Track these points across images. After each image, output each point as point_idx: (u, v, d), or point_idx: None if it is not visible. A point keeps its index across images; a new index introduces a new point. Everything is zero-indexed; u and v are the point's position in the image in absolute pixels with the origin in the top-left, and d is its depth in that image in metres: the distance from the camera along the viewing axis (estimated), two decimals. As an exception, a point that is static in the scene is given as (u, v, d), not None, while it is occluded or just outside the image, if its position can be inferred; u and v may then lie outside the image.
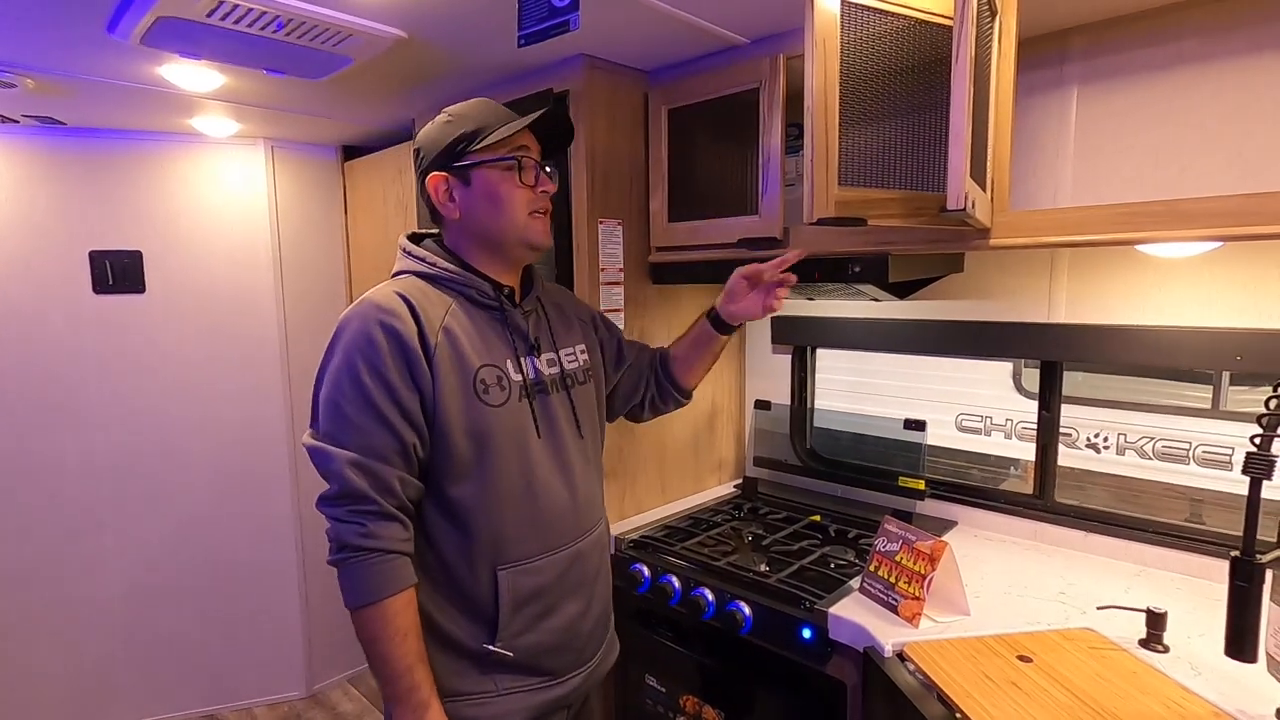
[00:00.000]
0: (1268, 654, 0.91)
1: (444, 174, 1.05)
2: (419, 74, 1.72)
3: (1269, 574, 0.79)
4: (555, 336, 1.17)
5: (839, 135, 1.06)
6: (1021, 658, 1.07)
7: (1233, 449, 1.48)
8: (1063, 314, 1.49)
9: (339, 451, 0.96)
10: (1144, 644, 1.10)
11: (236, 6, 1.22)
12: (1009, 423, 2.02)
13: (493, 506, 1.04)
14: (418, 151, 1.09)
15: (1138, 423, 1.64)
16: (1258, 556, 0.77)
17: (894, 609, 1.21)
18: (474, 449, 1.02)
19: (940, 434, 1.98)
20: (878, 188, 1.12)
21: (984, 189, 1.14)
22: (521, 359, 1.09)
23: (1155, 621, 1.09)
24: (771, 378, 2.04)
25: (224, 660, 2.47)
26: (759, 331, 2.05)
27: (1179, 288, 1.34)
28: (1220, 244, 1.19)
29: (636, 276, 1.73)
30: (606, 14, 1.33)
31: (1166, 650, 1.08)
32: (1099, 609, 1.20)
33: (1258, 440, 0.76)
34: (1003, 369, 2.09)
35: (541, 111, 1.07)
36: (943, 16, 1.11)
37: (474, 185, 1.05)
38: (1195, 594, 1.27)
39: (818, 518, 1.73)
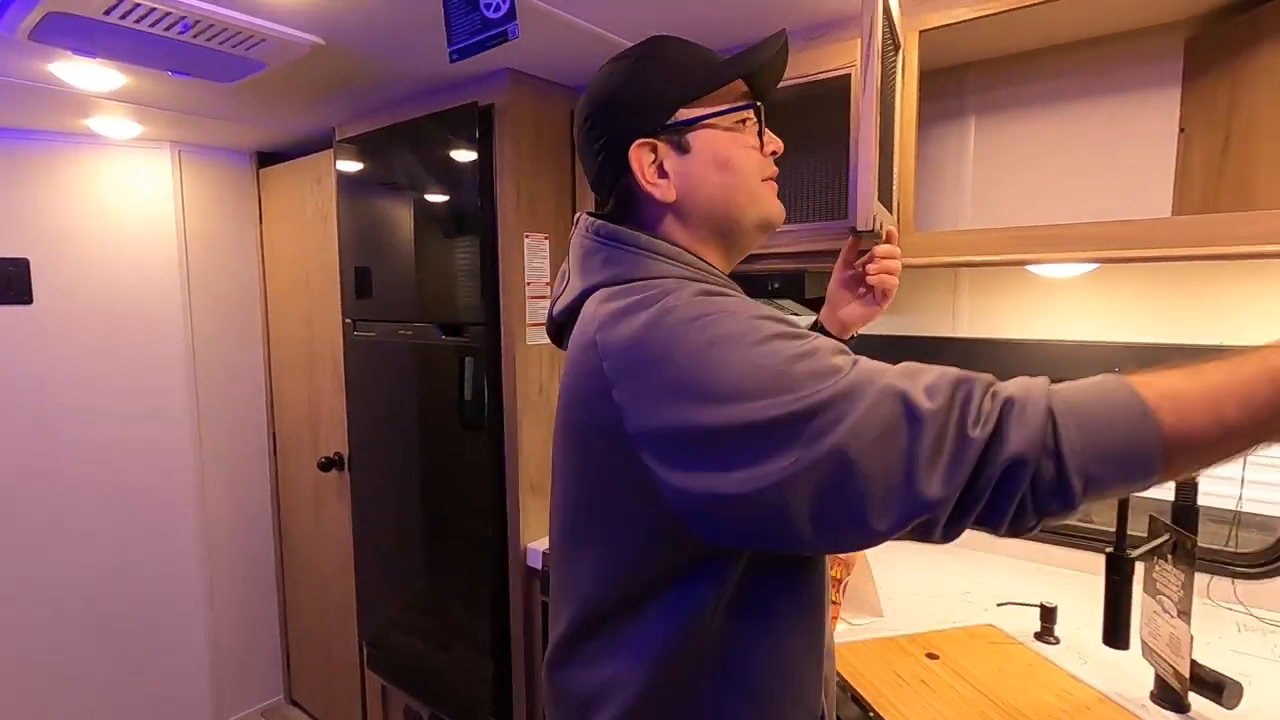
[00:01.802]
0: (1142, 641, 1.00)
1: (651, 141, 0.74)
2: (339, 82, 1.67)
3: (1139, 567, 0.87)
4: None
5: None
6: (930, 655, 1.13)
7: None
8: (965, 328, 1.59)
9: (864, 392, 0.57)
10: (1038, 637, 1.18)
11: (138, 5, 1.16)
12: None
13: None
14: (591, 117, 0.77)
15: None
16: (1128, 552, 0.85)
17: (813, 614, 1.25)
18: None
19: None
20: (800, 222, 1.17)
21: (891, 212, 1.21)
22: None
23: (1047, 615, 1.17)
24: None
25: (128, 694, 2.30)
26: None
27: (1064, 305, 1.46)
28: (1097, 265, 1.30)
29: (564, 290, 1.73)
30: (535, 31, 1.33)
31: (1058, 642, 1.16)
32: (999, 605, 1.28)
33: (1127, 446, 0.84)
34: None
35: (775, 40, 0.78)
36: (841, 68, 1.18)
37: (695, 151, 0.74)
38: (1084, 587, 1.37)
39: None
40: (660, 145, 0.74)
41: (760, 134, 0.78)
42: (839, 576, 1.24)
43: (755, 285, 1.43)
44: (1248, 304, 1.27)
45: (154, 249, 2.24)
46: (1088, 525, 1.48)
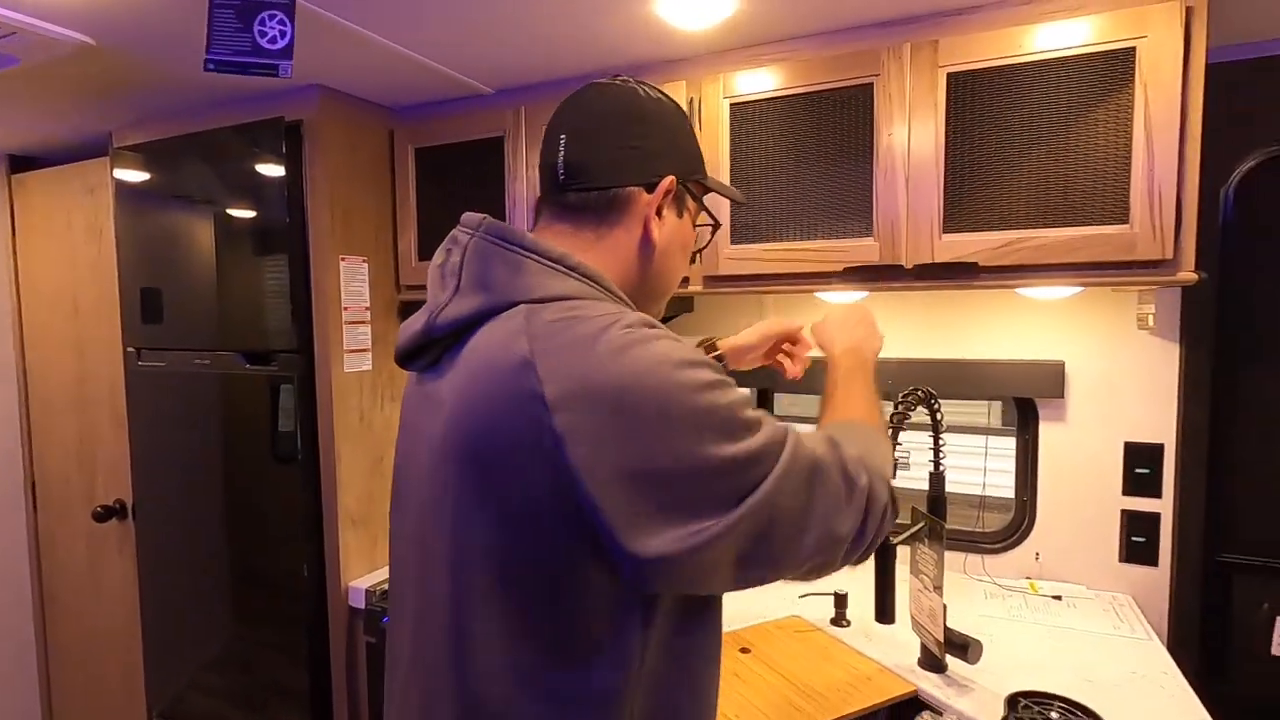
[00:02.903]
0: (910, 615, 1.16)
1: (679, 185, 0.74)
2: (115, 84, 1.50)
3: (902, 550, 1.02)
4: None
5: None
6: (743, 650, 1.22)
7: (909, 452, 1.86)
8: (771, 347, 1.75)
9: (797, 449, 0.63)
10: (834, 622, 1.32)
11: None
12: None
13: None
14: (649, 121, 0.73)
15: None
16: (891, 539, 0.99)
17: (639, 623, 1.31)
18: None
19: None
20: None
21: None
22: None
23: (840, 602, 1.33)
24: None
25: None
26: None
27: (850, 325, 1.66)
28: (867, 294, 1.51)
29: (384, 316, 1.67)
30: (341, 50, 1.30)
31: (849, 624, 1.31)
32: (801, 597, 1.42)
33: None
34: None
35: (738, 193, 0.88)
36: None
37: (683, 220, 0.77)
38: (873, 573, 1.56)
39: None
40: (676, 190, 0.73)
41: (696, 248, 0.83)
42: (662, 585, 1.31)
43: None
44: (987, 325, 1.53)
45: None
46: (876, 518, 1.69)
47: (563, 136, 0.73)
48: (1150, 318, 1.33)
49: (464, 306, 0.66)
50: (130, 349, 1.81)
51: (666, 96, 0.76)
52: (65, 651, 2.16)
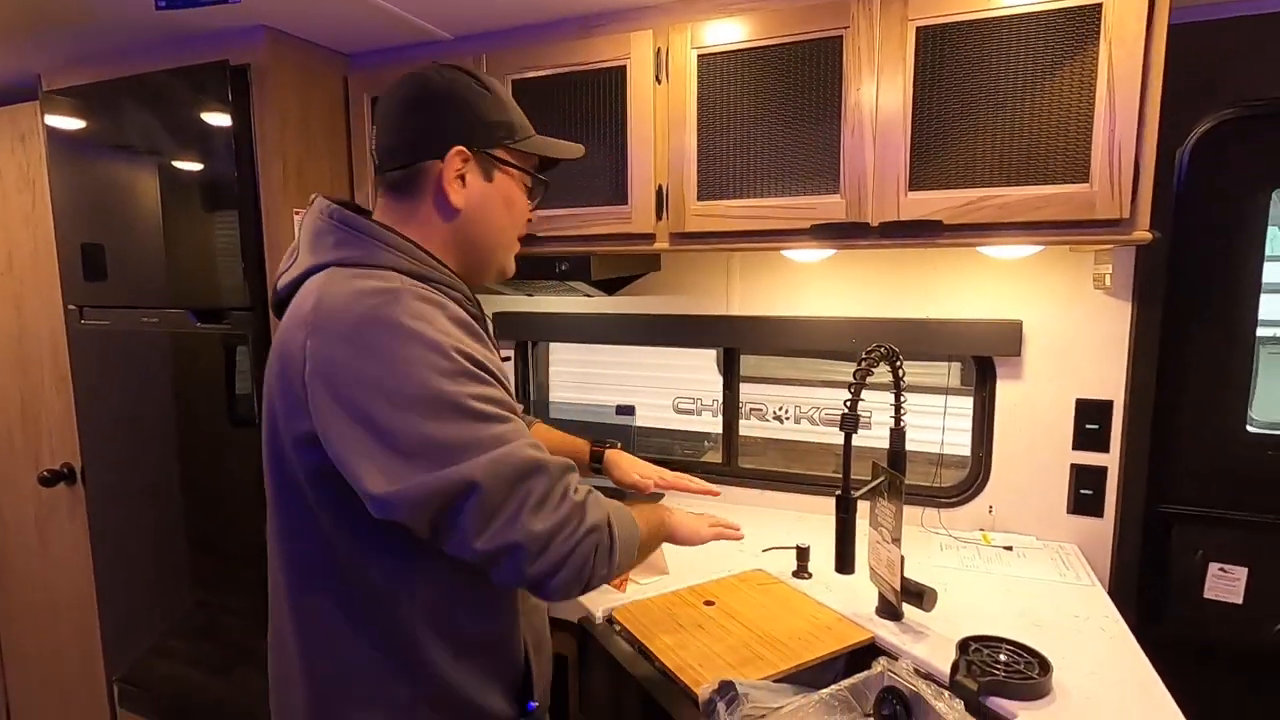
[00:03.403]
0: (869, 566, 1.20)
1: (468, 153, 0.83)
2: (42, 21, 1.40)
3: (861, 505, 1.05)
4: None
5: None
6: (707, 602, 1.25)
7: (870, 411, 1.89)
8: (737, 308, 1.76)
9: (511, 445, 0.72)
10: (795, 574, 1.35)
11: None
12: (715, 403, 2.33)
13: None
14: (429, 99, 0.83)
15: (808, 396, 2.00)
16: (851, 493, 1.01)
17: (605, 579, 1.32)
18: None
19: (660, 416, 2.20)
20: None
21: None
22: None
23: (802, 555, 1.36)
24: (496, 373, 2.07)
25: None
26: (482, 327, 2.06)
27: (815, 286, 1.67)
28: (834, 251, 1.51)
29: (343, 272, 1.62)
30: (290, -13, 1.23)
31: (810, 576, 1.35)
32: (764, 551, 1.45)
33: (847, 403, 1.00)
34: (708, 356, 2.40)
35: (573, 149, 0.96)
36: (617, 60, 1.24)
37: (496, 184, 0.87)
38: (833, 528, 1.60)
39: (543, 505, 1.81)
40: (473, 161, 0.84)
41: (533, 204, 0.93)
42: (628, 541, 1.32)
43: (543, 267, 1.46)
44: (948, 284, 1.55)
45: None
46: (838, 476, 1.73)
47: (374, 126, 0.87)
48: (1106, 278, 1.36)
49: (295, 271, 0.80)
50: (71, 306, 1.73)
51: (466, 72, 0.86)
52: (16, 620, 2.10)
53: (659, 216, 1.38)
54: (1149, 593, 1.46)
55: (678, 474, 1.30)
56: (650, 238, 1.40)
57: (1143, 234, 1.09)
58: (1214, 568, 1.42)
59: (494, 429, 0.72)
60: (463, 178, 0.84)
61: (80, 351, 1.75)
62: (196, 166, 1.52)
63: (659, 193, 1.37)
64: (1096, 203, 1.09)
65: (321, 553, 0.79)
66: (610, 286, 1.79)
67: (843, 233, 1.25)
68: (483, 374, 0.74)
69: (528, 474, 0.72)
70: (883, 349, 1.09)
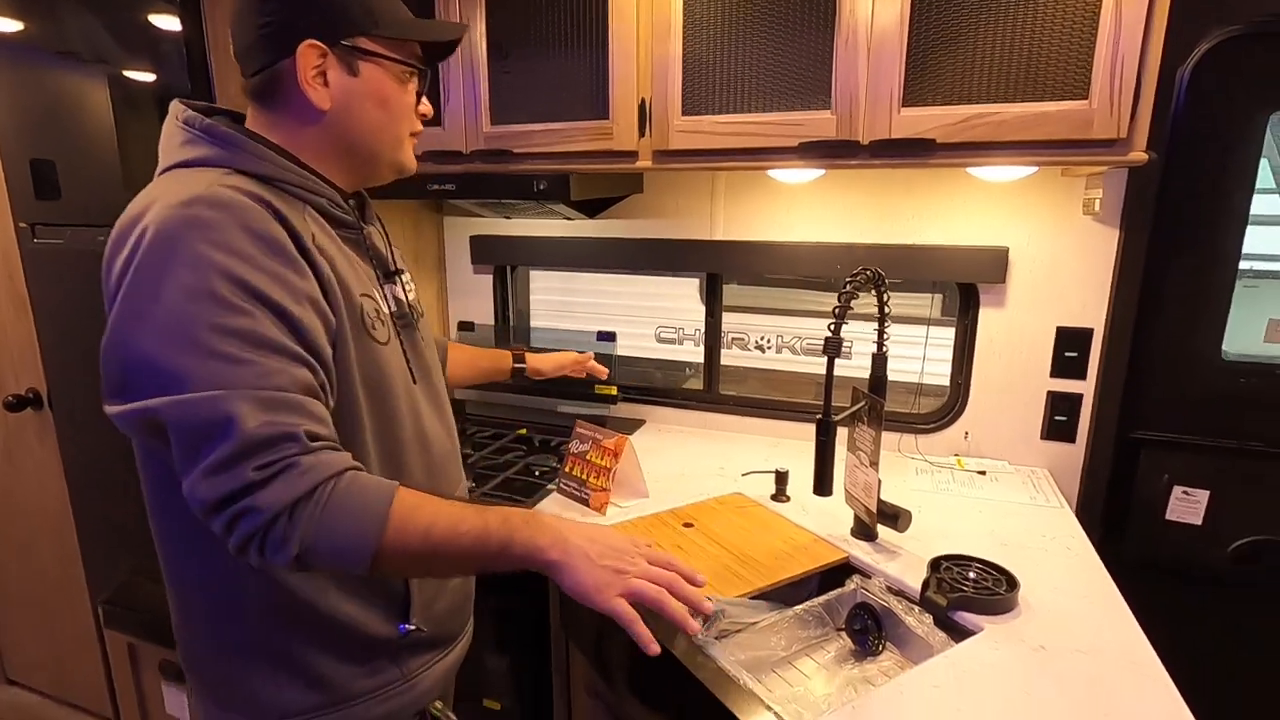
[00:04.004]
0: (845, 489, 1.21)
1: (324, 47, 0.76)
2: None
3: (839, 430, 1.05)
4: (396, 261, 0.94)
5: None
6: (686, 524, 1.27)
7: (851, 342, 1.88)
8: (721, 232, 1.71)
9: (218, 392, 0.63)
10: (774, 498, 1.37)
11: None
12: (697, 333, 2.31)
13: (392, 468, 0.83)
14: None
15: (790, 326, 1.99)
16: (832, 417, 1.01)
17: (585, 502, 1.33)
18: (371, 401, 0.81)
19: (642, 345, 2.18)
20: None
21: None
22: (383, 287, 0.88)
23: (780, 479, 1.37)
24: (474, 297, 2.03)
25: None
26: (458, 252, 2.01)
27: (802, 209, 1.63)
28: (824, 172, 1.47)
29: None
30: None
31: (789, 500, 1.37)
32: (744, 475, 1.47)
33: (831, 326, 0.98)
34: (691, 285, 2.36)
35: (452, 27, 0.90)
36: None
37: (363, 79, 0.79)
38: (812, 454, 1.62)
39: (524, 431, 1.81)
40: (331, 56, 0.77)
41: (419, 96, 0.86)
42: (608, 466, 1.32)
43: (520, 186, 1.40)
44: (936, 209, 1.52)
45: None
46: (817, 403, 1.74)
47: (230, 32, 0.80)
48: (1096, 203, 1.34)
49: (157, 172, 0.77)
50: (23, 225, 1.64)
51: None
52: (-4, 543, 2.10)
53: (641, 133, 1.32)
54: (1114, 515, 1.51)
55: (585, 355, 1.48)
56: (633, 155, 1.34)
57: (1139, 154, 1.06)
58: (1177, 491, 1.46)
59: (215, 369, 0.63)
60: (323, 75, 0.77)
61: (35, 272, 1.68)
62: (148, 76, 1.42)
63: (642, 107, 1.31)
64: (1095, 121, 1.05)
65: (170, 469, 0.69)
66: (591, 209, 1.74)
67: (832, 151, 1.20)
68: (249, 305, 0.66)
69: (212, 433, 0.62)
70: (869, 272, 1.07)
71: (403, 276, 0.93)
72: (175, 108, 0.78)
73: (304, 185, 0.78)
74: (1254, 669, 1.48)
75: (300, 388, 0.67)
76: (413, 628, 0.86)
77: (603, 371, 1.53)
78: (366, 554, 0.66)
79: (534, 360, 1.45)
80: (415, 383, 0.88)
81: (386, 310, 0.85)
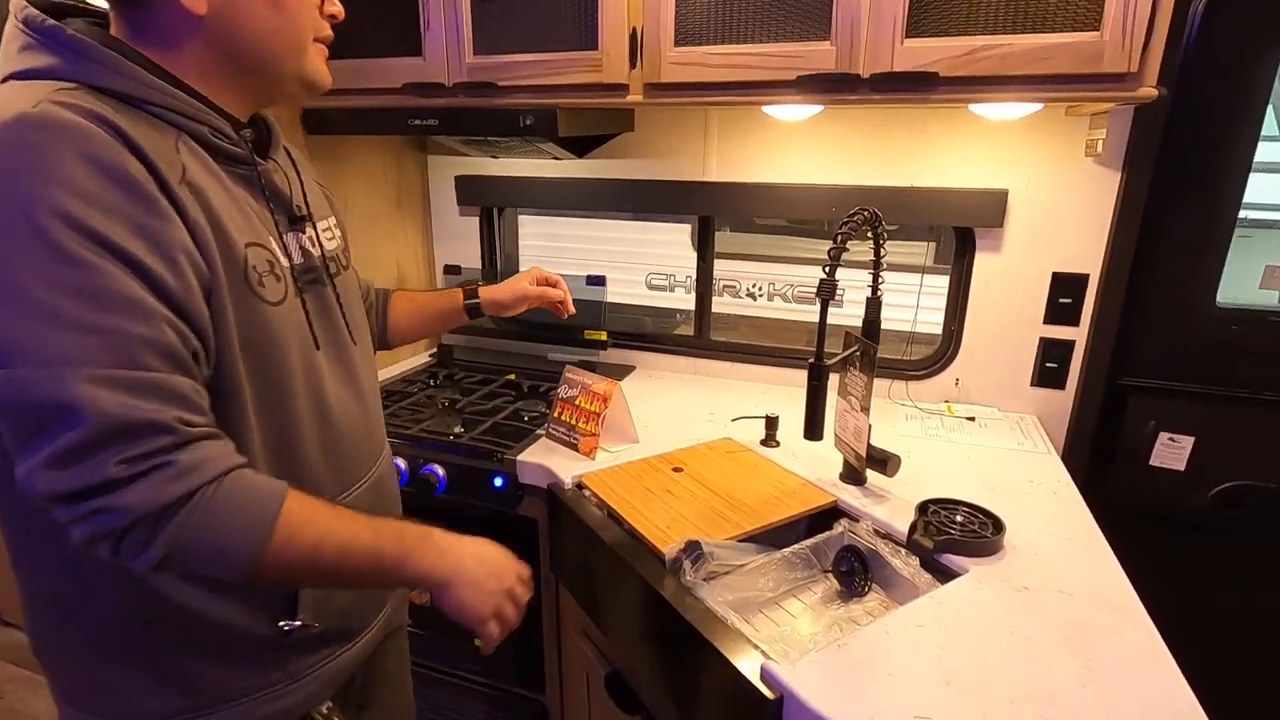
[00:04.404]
0: (835, 434, 1.21)
1: None
2: None
3: (832, 375, 1.03)
4: (310, 205, 0.82)
5: None
6: (675, 469, 1.26)
7: (844, 290, 1.86)
8: (714, 173, 1.66)
9: (61, 369, 0.53)
10: (764, 443, 1.37)
11: None
12: (688, 279, 2.28)
13: (280, 444, 0.73)
14: None
15: (782, 273, 1.96)
16: (824, 361, 1.00)
17: (575, 447, 1.32)
18: (254, 368, 0.69)
19: (632, 291, 2.15)
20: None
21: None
22: (285, 235, 0.75)
23: (771, 424, 1.37)
24: (460, 240, 1.98)
25: None
26: (443, 193, 1.94)
27: (798, 149, 1.58)
28: (821, 109, 1.41)
29: (288, 127, 1.48)
30: None
31: (778, 445, 1.37)
32: (734, 420, 1.47)
33: (826, 268, 0.96)
34: (683, 231, 2.31)
35: None
36: None
37: None
38: (801, 400, 1.61)
39: (513, 376, 1.79)
40: None
41: None
42: (597, 411, 1.31)
43: (505, 122, 1.34)
44: (936, 150, 1.48)
45: None
46: (809, 349, 1.72)
47: None
48: (1099, 144, 1.30)
49: None
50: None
51: None
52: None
53: (632, 64, 1.25)
54: (1099, 460, 1.52)
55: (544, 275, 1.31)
56: (623, 89, 1.28)
57: (1149, 90, 1.02)
58: (1163, 437, 1.47)
59: (56, 338, 0.53)
60: None
61: None
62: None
63: (633, 37, 1.24)
64: (1105, 54, 1.00)
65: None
66: (580, 148, 1.68)
67: (831, 85, 1.15)
68: (94, 255, 0.55)
69: (56, 417, 0.53)
70: (866, 212, 1.03)
71: (318, 224, 0.82)
72: (15, 3, 0.63)
73: (176, 108, 0.64)
74: (1233, 610, 1.53)
75: (164, 359, 0.58)
76: (299, 624, 0.76)
77: (568, 305, 1.31)
78: (242, 567, 0.61)
79: (489, 293, 1.25)
80: (318, 348, 0.77)
81: (285, 263, 0.74)
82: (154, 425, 0.56)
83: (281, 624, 0.75)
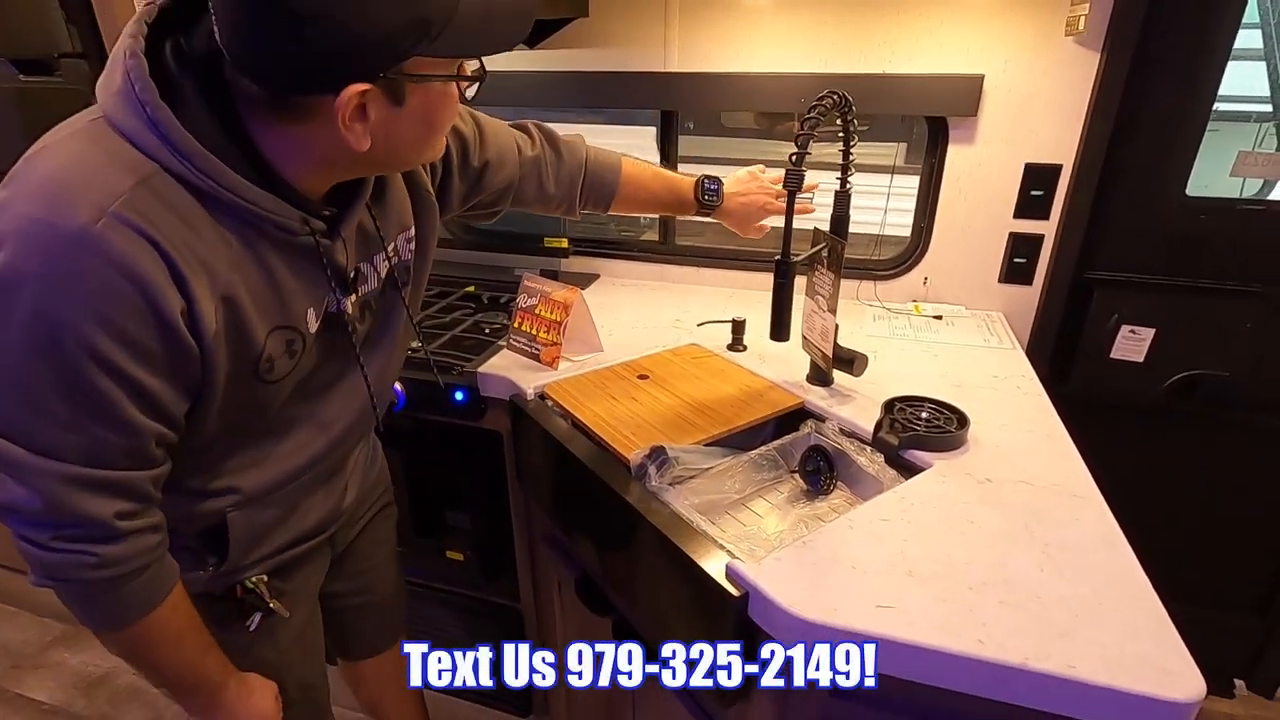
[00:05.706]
0: (802, 335, 1.18)
1: (369, 87, 0.58)
2: None
3: (799, 275, 0.99)
4: (383, 233, 0.81)
5: None
6: (641, 376, 1.24)
7: (812, 195, 1.78)
8: (676, 64, 1.55)
9: (37, 460, 0.59)
10: (730, 347, 1.35)
11: None
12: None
13: (242, 439, 0.78)
14: (318, 13, 0.52)
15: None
16: (791, 258, 0.95)
17: (536, 358, 1.28)
18: (228, 420, 0.72)
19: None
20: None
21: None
22: (330, 296, 0.75)
23: (737, 328, 1.34)
24: (408, 146, 1.85)
25: None
26: (386, 91, 1.79)
27: (764, 34, 1.47)
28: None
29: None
30: None
31: (745, 349, 1.34)
32: (699, 326, 1.43)
33: (792, 158, 0.90)
34: (647, 134, 2.19)
35: (523, 19, 0.66)
36: None
37: (409, 107, 0.62)
38: (769, 304, 1.58)
39: (472, 288, 1.72)
40: (373, 90, 0.59)
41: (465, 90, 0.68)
42: (558, 320, 1.26)
43: None
44: (910, 32, 1.38)
45: None
46: (771, 252, 1.67)
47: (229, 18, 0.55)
48: (1081, 20, 1.22)
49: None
50: None
51: None
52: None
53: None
54: (1062, 355, 1.53)
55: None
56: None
57: (1139, -47, 0.94)
58: (1125, 330, 1.48)
59: (42, 430, 0.59)
60: (363, 110, 0.60)
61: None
62: None
63: (580, -101, 1.11)
64: (1095, -89, 0.92)
65: None
66: (531, 37, 1.54)
67: (799, -46, 1.05)
68: (103, 380, 0.58)
69: (19, 498, 0.60)
70: (835, 95, 0.97)
71: (398, 237, 0.83)
72: (133, 27, 0.59)
73: (253, 209, 0.62)
74: (1186, 493, 1.59)
75: (135, 458, 0.64)
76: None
77: (809, 207, 1.21)
78: (97, 631, 0.71)
79: (734, 203, 1.28)
80: (304, 401, 0.80)
81: (310, 329, 0.73)
82: (94, 521, 0.63)
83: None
